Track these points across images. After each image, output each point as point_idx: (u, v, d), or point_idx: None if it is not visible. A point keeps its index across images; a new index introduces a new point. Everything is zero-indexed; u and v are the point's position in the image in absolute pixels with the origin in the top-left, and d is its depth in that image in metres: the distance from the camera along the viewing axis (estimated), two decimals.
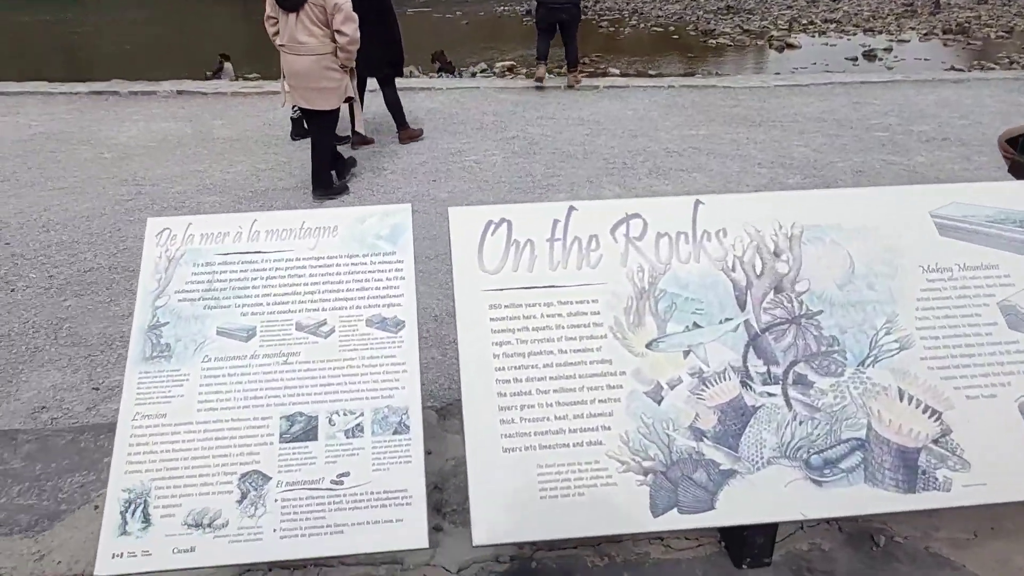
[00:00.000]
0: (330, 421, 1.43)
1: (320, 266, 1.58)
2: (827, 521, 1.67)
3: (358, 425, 1.43)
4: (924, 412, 1.53)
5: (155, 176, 6.06)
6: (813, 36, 18.47)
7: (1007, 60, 13.76)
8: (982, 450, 1.50)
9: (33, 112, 7.95)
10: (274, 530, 1.34)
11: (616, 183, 5.99)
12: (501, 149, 6.62)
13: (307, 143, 6.59)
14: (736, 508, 1.42)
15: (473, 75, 12.47)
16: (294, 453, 1.40)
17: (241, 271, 1.55)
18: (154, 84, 9.63)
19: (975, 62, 13.45)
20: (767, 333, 1.60)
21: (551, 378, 1.51)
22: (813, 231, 1.73)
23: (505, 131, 7.06)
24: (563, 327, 1.56)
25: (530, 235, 1.67)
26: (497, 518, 1.39)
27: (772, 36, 18.00)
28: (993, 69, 11.99)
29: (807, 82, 9.39)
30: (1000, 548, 1.60)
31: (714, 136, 7.29)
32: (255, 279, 1.55)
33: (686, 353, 1.56)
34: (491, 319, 1.56)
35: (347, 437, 1.42)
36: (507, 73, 13.07)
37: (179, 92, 9.21)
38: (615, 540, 1.63)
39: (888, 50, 15.68)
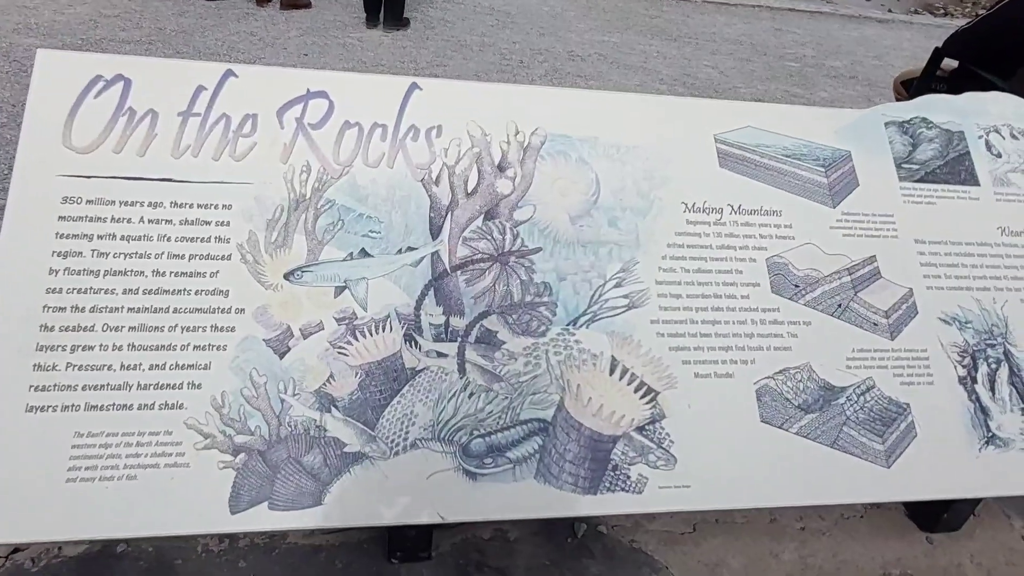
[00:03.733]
0: None
1: None
2: None
3: None
4: (637, 391, 1.19)
5: None
6: None
7: (942, 11, 13.52)
8: (697, 443, 1.18)
9: None
10: None
11: (505, 83, 5.45)
12: (391, 30, 5.91)
13: None
14: (349, 507, 1.06)
15: None
16: None
17: None
18: None
19: (912, 9, 13.19)
20: (459, 272, 1.20)
21: (131, 310, 1.07)
22: (559, 142, 1.32)
23: (405, 11, 6.28)
24: (169, 239, 1.11)
25: (156, 104, 1.19)
26: (14, 506, 0.97)
27: None
28: (921, 15, 11.74)
29: (735, 2, 8.88)
30: (715, 547, 1.33)
31: (625, 45, 6.76)
32: None
33: (339, 290, 1.15)
34: (59, 218, 1.09)
35: None
36: None
37: None
38: None
39: None
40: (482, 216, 1.24)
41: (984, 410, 1.29)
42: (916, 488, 1.23)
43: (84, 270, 1.07)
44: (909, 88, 2.84)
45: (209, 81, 1.22)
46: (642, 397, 1.19)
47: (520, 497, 1.10)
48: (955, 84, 2.64)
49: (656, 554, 1.32)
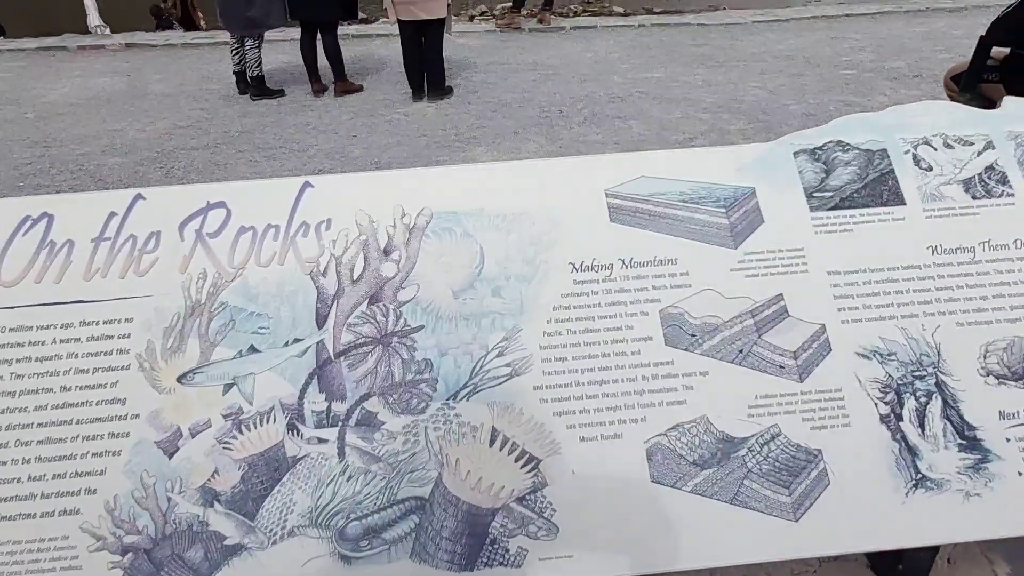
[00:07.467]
0: None
1: None
2: None
3: None
4: (518, 460, 1.18)
5: (68, 136, 5.83)
6: None
7: None
8: (580, 510, 1.15)
9: None
10: None
11: (543, 134, 5.58)
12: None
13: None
14: None
15: (471, 19, 11.66)
16: None
17: None
18: (103, 38, 9.39)
19: None
20: (342, 358, 1.25)
21: (40, 425, 1.20)
22: (444, 219, 1.36)
23: (448, 80, 6.58)
24: (77, 356, 1.24)
25: (73, 234, 1.34)
26: None
27: None
28: None
29: (787, 16, 8.66)
30: None
31: (668, 79, 6.74)
32: None
33: (228, 387, 1.23)
34: None
35: None
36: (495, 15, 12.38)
37: (127, 45, 8.93)
38: None
39: None
40: (366, 301, 1.29)
41: (912, 449, 1.17)
42: (830, 542, 1.13)
43: (2, 392, 1.21)
44: (959, 82, 2.66)
45: (120, 207, 1.37)
46: (523, 466, 1.18)
47: None
48: (1008, 71, 2.44)
49: None
